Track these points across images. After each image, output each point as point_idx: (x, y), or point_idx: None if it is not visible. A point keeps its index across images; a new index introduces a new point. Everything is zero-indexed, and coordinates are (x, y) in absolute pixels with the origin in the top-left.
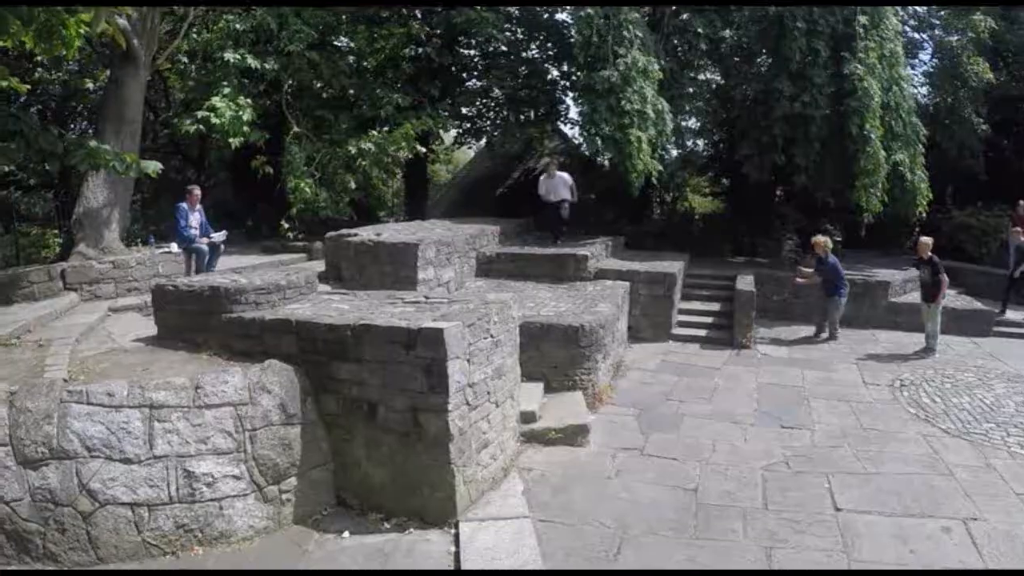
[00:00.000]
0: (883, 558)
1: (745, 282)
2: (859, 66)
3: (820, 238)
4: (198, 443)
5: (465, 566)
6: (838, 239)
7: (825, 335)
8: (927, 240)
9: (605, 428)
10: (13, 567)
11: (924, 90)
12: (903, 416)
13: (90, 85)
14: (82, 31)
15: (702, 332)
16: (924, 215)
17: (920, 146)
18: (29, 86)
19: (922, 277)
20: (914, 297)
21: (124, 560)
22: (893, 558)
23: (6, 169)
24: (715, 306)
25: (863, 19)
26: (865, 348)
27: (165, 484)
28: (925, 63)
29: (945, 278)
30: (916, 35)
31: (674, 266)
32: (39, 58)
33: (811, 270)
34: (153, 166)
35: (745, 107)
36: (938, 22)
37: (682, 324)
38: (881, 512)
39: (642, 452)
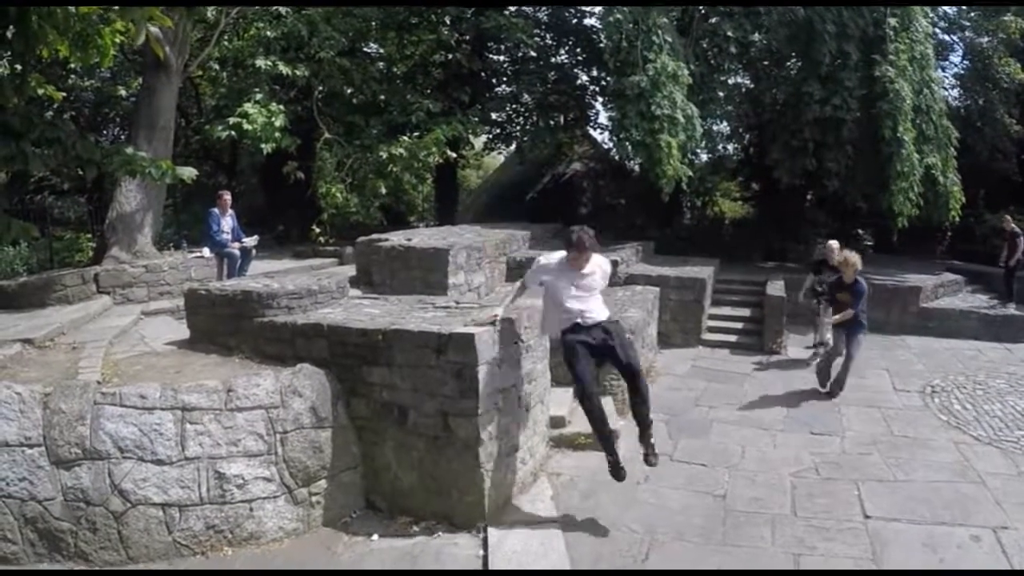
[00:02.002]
0: (912, 566)
1: (775, 287)
2: (890, 68)
3: (852, 256)
4: (229, 445)
5: (493, 569)
6: (869, 244)
7: (830, 385)
8: (835, 245)
9: (634, 433)
10: (44, 565)
11: (955, 92)
12: (934, 423)
13: (123, 92)
14: (117, 40)
15: (732, 338)
16: (957, 219)
17: (952, 149)
18: (64, 94)
19: (827, 281)
20: (946, 302)
21: (154, 560)
22: (922, 566)
23: (40, 174)
24: (745, 311)
25: (893, 21)
26: (895, 354)
27: (196, 485)
28: (956, 65)
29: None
30: (946, 37)
31: (704, 271)
32: (72, 65)
33: (829, 308)
34: (189, 172)
35: (775, 111)
36: (968, 24)
37: (712, 330)
38: (911, 520)
39: (671, 458)
